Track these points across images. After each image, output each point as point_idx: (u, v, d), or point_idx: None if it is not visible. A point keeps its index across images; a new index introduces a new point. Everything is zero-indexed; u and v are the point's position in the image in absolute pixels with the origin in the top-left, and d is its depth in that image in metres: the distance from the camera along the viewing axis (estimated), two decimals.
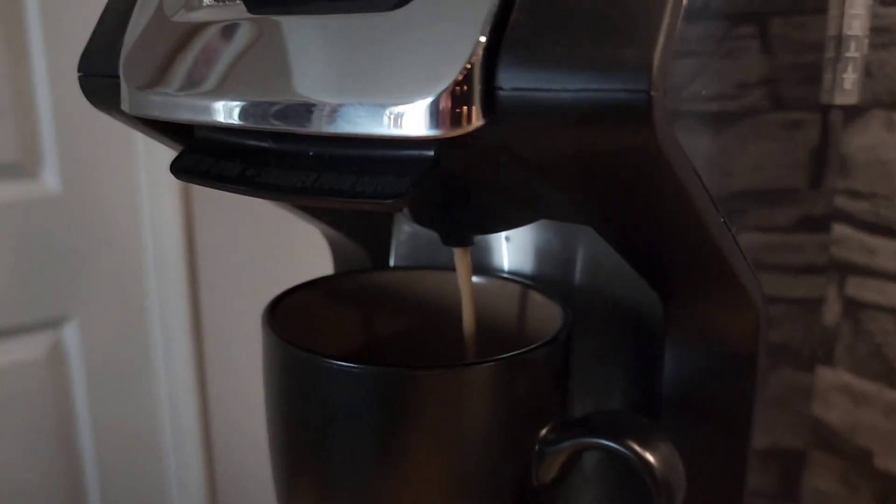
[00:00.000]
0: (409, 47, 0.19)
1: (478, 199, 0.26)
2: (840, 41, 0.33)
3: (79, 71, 0.28)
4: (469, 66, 0.18)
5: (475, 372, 0.26)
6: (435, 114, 0.18)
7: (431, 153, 0.20)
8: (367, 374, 0.26)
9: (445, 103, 0.18)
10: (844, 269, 0.56)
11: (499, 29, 0.18)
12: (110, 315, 0.85)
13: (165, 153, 0.89)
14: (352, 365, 0.26)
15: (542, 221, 0.35)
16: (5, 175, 0.77)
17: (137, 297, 0.86)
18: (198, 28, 0.23)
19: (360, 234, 0.36)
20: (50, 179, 0.80)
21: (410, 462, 0.27)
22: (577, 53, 0.17)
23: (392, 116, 0.19)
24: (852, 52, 0.33)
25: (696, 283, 0.27)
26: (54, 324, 0.83)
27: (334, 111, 0.20)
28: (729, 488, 0.30)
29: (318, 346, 0.26)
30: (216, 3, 0.23)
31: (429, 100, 0.18)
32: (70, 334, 0.84)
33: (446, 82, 0.18)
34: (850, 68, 0.34)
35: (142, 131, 0.28)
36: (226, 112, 0.22)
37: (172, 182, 0.85)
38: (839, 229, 0.55)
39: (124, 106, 0.25)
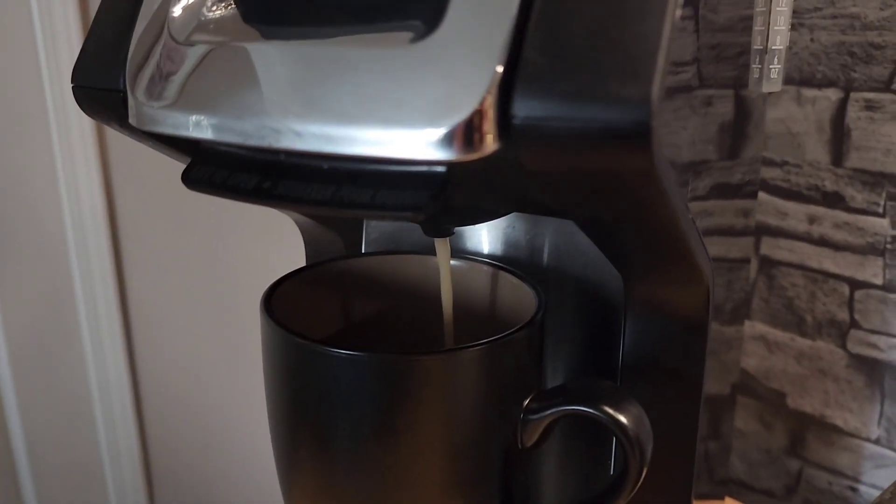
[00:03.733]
0: (428, 77, 0.21)
1: (466, 199, 0.29)
2: (768, 36, 0.37)
3: (72, 82, 0.29)
4: (486, 96, 0.20)
5: (469, 354, 0.29)
6: (454, 139, 0.21)
7: (444, 169, 0.22)
8: (368, 361, 0.28)
9: (464, 129, 0.21)
10: (760, 231, 0.62)
11: (512, 64, 0.20)
12: (31, 290, 0.83)
13: (79, 122, 0.86)
14: (353, 353, 0.28)
15: None
16: None
17: (59, 271, 0.84)
18: (211, 51, 0.24)
19: (334, 222, 0.38)
20: None
21: (408, 437, 0.30)
22: (586, 88, 0.20)
23: (413, 141, 0.21)
24: (778, 45, 0.37)
25: (657, 264, 0.30)
26: None
27: (357, 134, 0.22)
28: (684, 437, 0.34)
29: (305, 333, 0.29)
30: (230, 25, 0.24)
31: (449, 126, 0.21)
32: None
33: (467, 110, 0.20)
34: (776, 60, 0.38)
35: (144, 142, 0.29)
36: (242, 133, 0.23)
37: (88, 152, 0.82)
38: (759, 196, 0.60)
39: (132, 120, 0.26)
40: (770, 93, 0.58)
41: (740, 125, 0.53)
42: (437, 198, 0.22)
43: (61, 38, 0.79)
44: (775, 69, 0.38)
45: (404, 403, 0.29)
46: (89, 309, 0.87)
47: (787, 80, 0.59)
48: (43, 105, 0.79)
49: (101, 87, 0.27)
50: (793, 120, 0.59)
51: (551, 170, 0.21)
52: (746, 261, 0.61)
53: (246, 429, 0.95)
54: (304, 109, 0.22)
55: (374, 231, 0.40)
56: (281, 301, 0.33)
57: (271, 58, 0.23)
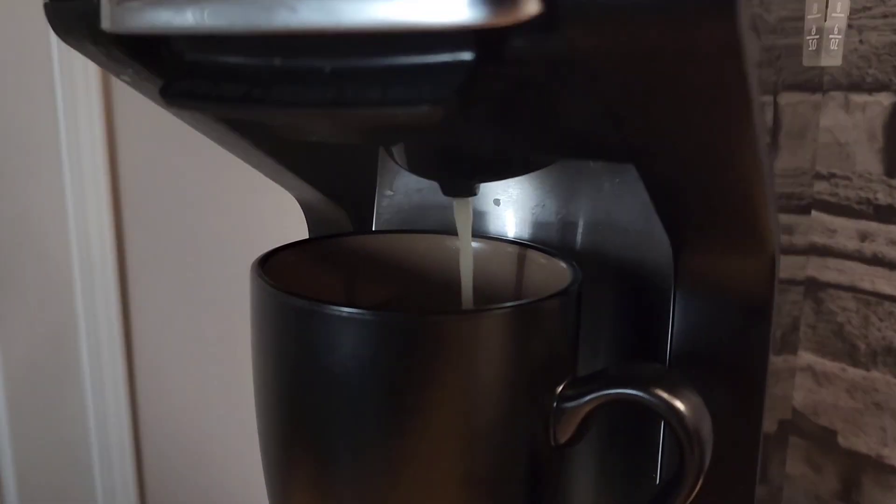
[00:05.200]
0: None
1: (493, 134, 0.24)
2: (828, 2, 0.33)
3: None
4: None
5: (492, 318, 0.24)
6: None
7: (470, 56, 0.18)
8: (376, 321, 0.23)
9: None
10: (809, 251, 0.57)
11: None
12: (32, 329, 0.80)
13: (91, 159, 0.84)
14: (360, 311, 0.23)
15: (536, 183, 0.34)
16: None
17: (63, 309, 0.82)
18: None
19: (344, 195, 0.34)
20: None
21: (418, 422, 0.25)
22: None
23: (432, 4, 0.17)
24: (838, 12, 0.33)
25: (717, 223, 0.25)
26: None
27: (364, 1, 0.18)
28: (744, 445, 0.29)
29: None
30: None
31: None
32: None
33: None
34: (836, 29, 0.34)
35: (118, 69, 0.25)
36: (233, 12, 0.19)
37: (100, 187, 0.80)
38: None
39: (104, 23, 0.22)
40: (823, 97, 0.54)
41: (774, 133, 0.49)
42: (463, 90, 0.18)
43: (78, 77, 0.78)
44: (835, 39, 0.34)
45: (414, 374, 0.24)
46: (92, 350, 0.84)
47: (834, 86, 0.55)
48: (56, 140, 0.78)
49: None
50: (840, 128, 0.55)
51: (605, 47, 0.17)
52: (795, 282, 0.55)
53: (246, 474, 0.90)
54: None
55: (386, 210, 0.36)
56: (277, 272, 0.28)
57: None
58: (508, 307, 0.24)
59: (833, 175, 0.56)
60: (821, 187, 0.57)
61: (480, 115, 0.22)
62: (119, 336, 0.85)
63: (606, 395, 0.25)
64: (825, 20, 0.34)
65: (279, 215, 0.51)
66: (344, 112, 0.19)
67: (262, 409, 0.27)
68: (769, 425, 0.57)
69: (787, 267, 0.54)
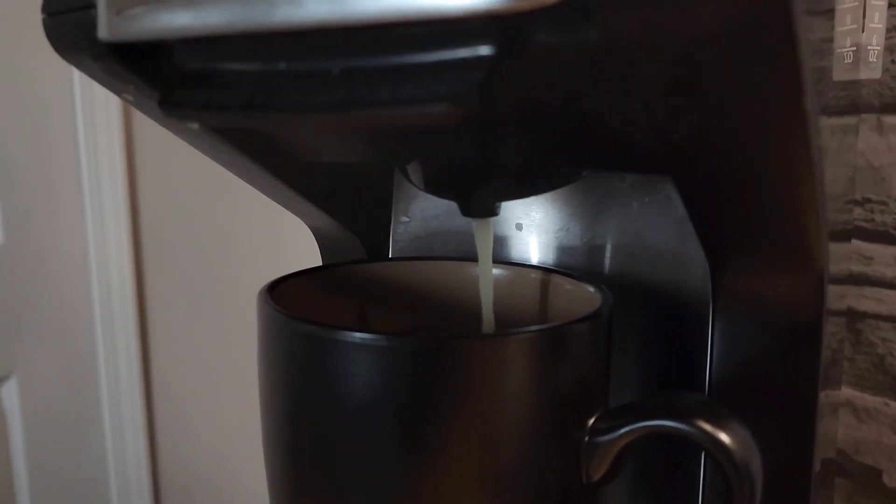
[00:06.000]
0: None
1: (511, 146, 0.23)
2: (865, 11, 0.32)
3: (43, 12, 0.24)
4: None
5: (516, 342, 0.22)
6: None
7: (490, 50, 0.17)
8: (388, 347, 0.22)
9: None
10: (848, 281, 0.54)
11: None
12: (54, 369, 0.80)
13: (112, 198, 0.84)
14: (370, 336, 0.21)
15: (559, 205, 0.32)
16: None
17: (83, 349, 0.81)
18: None
19: (357, 222, 0.33)
20: None
21: (440, 456, 0.22)
22: None
23: None
24: (876, 23, 0.32)
25: (760, 237, 0.23)
26: None
27: None
28: (794, 483, 0.26)
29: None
30: None
31: None
32: (8, 392, 0.78)
33: None
34: (874, 40, 0.32)
35: (120, 86, 0.24)
36: (232, 11, 0.18)
37: (121, 230, 0.80)
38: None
39: (102, 32, 0.21)
40: (859, 121, 0.52)
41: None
42: (483, 87, 0.16)
43: (100, 113, 0.79)
44: (874, 51, 0.32)
45: (430, 404, 0.22)
46: (111, 390, 0.83)
47: (866, 108, 0.53)
48: (79, 185, 0.78)
49: (70, 7, 0.23)
50: (874, 152, 0.53)
51: (641, 34, 0.15)
52: (835, 313, 0.53)
53: None
54: None
55: (401, 238, 0.34)
56: (284, 301, 0.27)
57: None
58: (533, 331, 0.22)
59: (868, 200, 0.54)
60: (856, 213, 0.54)
61: (502, 119, 0.20)
62: (138, 377, 0.84)
63: (644, 427, 0.23)
64: (862, 31, 0.32)
65: (296, 246, 0.49)
66: (354, 114, 0.18)
67: (268, 444, 0.25)
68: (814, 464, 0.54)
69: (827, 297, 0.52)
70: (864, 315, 0.54)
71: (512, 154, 0.23)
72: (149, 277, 0.86)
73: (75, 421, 0.83)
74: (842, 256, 0.53)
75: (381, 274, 0.31)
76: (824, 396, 0.50)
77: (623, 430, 0.23)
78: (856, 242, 0.54)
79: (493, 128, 0.20)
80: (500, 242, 0.33)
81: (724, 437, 0.22)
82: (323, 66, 0.19)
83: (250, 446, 0.84)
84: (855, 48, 0.32)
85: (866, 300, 0.54)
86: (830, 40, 0.36)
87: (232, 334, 0.86)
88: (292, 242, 0.56)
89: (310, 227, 0.34)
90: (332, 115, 0.18)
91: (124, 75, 0.23)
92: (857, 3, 0.32)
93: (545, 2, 0.15)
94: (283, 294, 0.27)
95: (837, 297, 0.53)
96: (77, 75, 0.75)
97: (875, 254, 0.53)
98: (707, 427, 0.22)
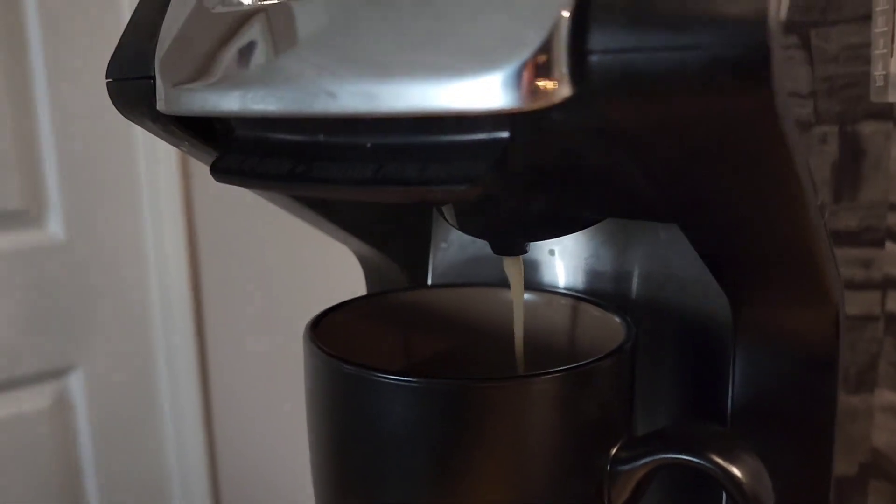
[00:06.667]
0: (483, 10, 0.17)
1: (536, 198, 0.24)
2: (894, 35, 0.32)
3: (107, 77, 0.26)
4: (556, 28, 0.16)
5: (542, 384, 0.24)
6: (516, 84, 0.17)
7: (506, 134, 0.18)
8: (427, 389, 0.24)
9: (529, 72, 0.17)
10: (886, 285, 0.54)
11: None
12: (116, 362, 0.84)
13: (169, 197, 0.87)
14: (410, 379, 0.23)
15: (590, 234, 0.33)
16: (10, 223, 0.76)
17: (143, 344, 0.85)
18: (241, 16, 0.21)
19: (397, 251, 0.35)
20: (54, 226, 0.78)
21: (471, 486, 0.24)
22: (680, 7, 0.15)
23: (466, 89, 0.17)
24: None
25: (775, 278, 0.25)
26: (59, 373, 0.81)
27: (400, 84, 0.18)
28: (812, 501, 0.28)
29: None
30: None
31: (509, 67, 0.17)
32: (75, 383, 0.82)
33: (531, 47, 0.16)
34: None
35: (176, 142, 0.26)
36: (271, 101, 0.20)
37: (177, 226, 0.83)
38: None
39: (160, 105, 0.23)
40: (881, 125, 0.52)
41: (852, 163, 0.47)
42: (499, 167, 0.18)
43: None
44: None
45: (465, 442, 0.24)
46: (172, 385, 0.87)
47: None
48: (137, 185, 0.81)
49: (133, 76, 0.25)
50: None
51: (641, 121, 0.17)
52: (872, 318, 0.53)
53: None
54: (339, 65, 0.19)
55: (441, 264, 0.36)
56: (330, 332, 0.29)
57: (301, 14, 0.20)
58: (558, 372, 0.24)
59: None
60: (893, 220, 0.54)
61: (520, 184, 0.22)
62: (196, 372, 0.88)
63: (662, 459, 0.25)
64: (892, 55, 0.33)
65: (345, 262, 0.51)
66: (385, 189, 0.20)
67: (312, 462, 0.27)
68: (849, 468, 0.55)
69: (864, 302, 0.52)
70: None
71: (534, 206, 0.24)
72: (205, 276, 0.89)
73: (137, 413, 0.87)
74: (881, 262, 0.53)
75: (421, 301, 0.33)
76: (860, 401, 0.51)
77: (642, 461, 0.25)
78: (894, 247, 0.54)
79: (512, 190, 0.22)
80: (534, 266, 0.35)
81: (735, 471, 0.24)
82: (357, 140, 0.21)
83: (303, 441, 0.88)
84: (885, 73, 0.33)
85: None
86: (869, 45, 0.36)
87: (285, 330, 0.89)
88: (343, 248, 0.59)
89: (354, 253, 0.36)
90: (365, 190, 0.20)
91: (180, 136, 0.25)
92: (886, 29, 0.33)
93: (552, 101, 0.17)
94: (327, 326, 0.29)
95: (875, 302, 0.53)
96: None
97: None
98: (720, 461, 0.24)
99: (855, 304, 0.52)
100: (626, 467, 0.25)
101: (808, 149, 0.39)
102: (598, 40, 0.16)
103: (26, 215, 0.78)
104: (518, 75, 0.17)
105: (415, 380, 0.23)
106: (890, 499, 0.57)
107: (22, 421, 0.80)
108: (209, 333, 0.90)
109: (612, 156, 0.19)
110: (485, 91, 0.17)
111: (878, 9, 0.33)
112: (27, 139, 0.76)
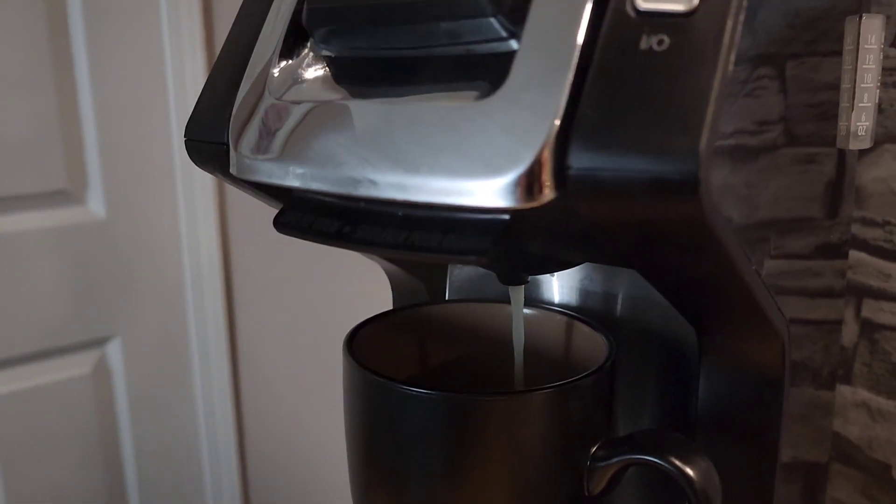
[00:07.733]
0: (492, 131, 0.23)
1: (535, 247, 0.30)
2: (854, 93, 0.37)
3: (185, 136, 0.32)
4: (545, 148, 0.22)
5: (535, 397, 0.30)
6: (514, 188, 0.22)
7: (507, 217, 0.24)
8: (440, 399, 0.30)
9: (524, 179, 0.22)
10: (861, 294, 0.59)
11: (568, 119, 0.22)
12: (151, 333, 0.89)
13: (201, 180, 0.92)
14: (426, 391, 0.29)
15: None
16: (54, 201, 0.82)
17: (176, 316, 0.90)
18: (301, 108, 0.27)
19: (418, 269, 0.40)
20: (95, 205, 0.84)
21: (477, 477, 0.31)
22: (636, 140, 0.21)
23: (477, 190, 0.23)
24: (865, 102, 0.37)
25: (726, 317, 0.30)
26: (99, 342, 0.87)
27: (426, 183, 0.24)
28: (759, 499, 0.33)
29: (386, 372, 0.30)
30: (322, 85, 0.27)
31: (510, 176, 0.22)
32: (113, 351, 0.88)
33: (527, 161, 0.22)
34: (863, 117, 0.37)
35: (243, 189, 0.32)
36: (325, 181, 0.26)
37: (209, 209, 0.89)
38: (855, 255, 0.58)
39: (233, 169, 0.29)
40: (863, 150, 0.56)
41: (838, 184, 0.52)
42: (499, 243, 0.24)
43: (190, 101, 0.86)
44: (863, 126, 0.37)
45: (471, 442, 0.30)
46: (202, 352, 0.93)
47: (888, 138, 0.57)
48: (171, 166, 0.86)
49: (208, 140, 0.31)
50: (894, 178, 0.58)
51: (606, 219, 0.23)
52: (835, 322, 0.58)
53: (343, 474, 0.97)
54: (379, 160, 0.24)
55: (457, 279, 0.42)
56: (363, 343, 0.35)
57: (353, 114, 0.26)
58: (549, 388, 0.30)
59: (888, 222, 0.59)
60: (876, 234, 0.59)
61: (520, 245, 0.27)
62: (225, 345, 0.94)
63: (631, 459, 0.31)
64: (853, 109, 0.38)
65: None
66: (411, 253, 0.25)
67: (350, 460, 0.34)
68: (820, 456, 0.61)
69: (831, 309, 0.58)
70: (882, 327, 0.59)
71: (535, 252, 0.30)
72: (235, 253, 0.94)
73: (170, 378, 0.92)
74: (839, 271, 0.59)
75: (438, 314, 0.39)
76: (830, 397, 0.56)
77: (615, 460, 0.31)
78: (876, 261, 0.59)
79: (514, 249, 0.28)
80: (536, 284, 0.41)
81: (689, 471, 0.29)
82: (391, 210, 0.26)
83: (327, 415, 0.93)
84: (847, 123, 0.38)
85: (883, 313, 0.59)
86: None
87: (313, 306, 0.94)
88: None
89: (383, 269, 0.42)
90: (396, 252, 0.25)
91: (247, 189, 0.31)
92: (849, 86, 0.37)
93: (540, 202, 0.22)
94: (362, 337, 0.35)
95: (838, 309, 0.58)
96: (170, 72, 0.82)
97: (893, 272, 0.59)
98: (677, 462, 0.30)
99: (833, 309, 0.58)
100: (602, 464, 0.31)
101: (778, 169, 0.44)
102: (575, 160, 0.22)
103: (69, 195, 0.83)
104: (515, 182, 0.22)
105: (433, 392, 0.29)
106: (859, 485, 0.63)
107: (66, 385, 0.86)
108: (237, 308, 0.95)
109: (587, 236, 0.25)
110: (490, 192, 0.23)
111: (844, 67, 0.37)
112: (71, 125, 0.81)
